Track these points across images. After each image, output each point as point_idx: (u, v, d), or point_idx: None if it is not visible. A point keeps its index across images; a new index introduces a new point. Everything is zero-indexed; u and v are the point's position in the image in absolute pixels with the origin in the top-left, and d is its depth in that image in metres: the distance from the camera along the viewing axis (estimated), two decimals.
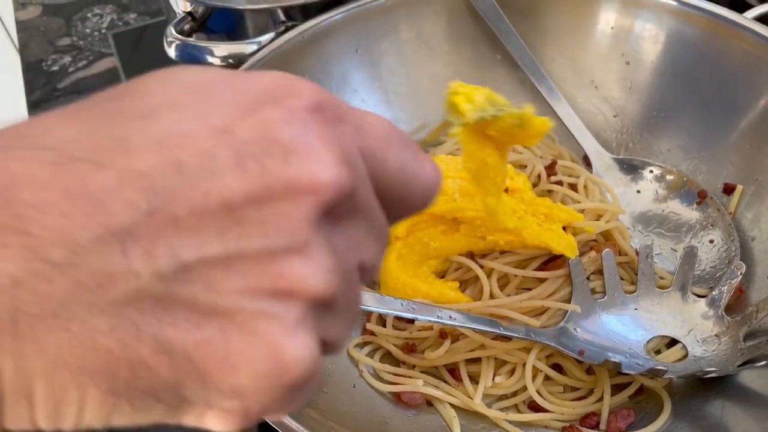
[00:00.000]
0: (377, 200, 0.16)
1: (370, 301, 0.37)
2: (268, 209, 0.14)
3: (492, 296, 0.40)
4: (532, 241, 0.39)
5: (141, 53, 0.70)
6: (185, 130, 0.14)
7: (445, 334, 0.39)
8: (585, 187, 0.45)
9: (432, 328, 0.39)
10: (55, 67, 0.68)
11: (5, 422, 0.14)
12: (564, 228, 0.41)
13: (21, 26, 0.74)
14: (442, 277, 0.41)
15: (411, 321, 0.40)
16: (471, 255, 0.40)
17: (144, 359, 0.13)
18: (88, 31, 0.72)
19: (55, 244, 0.13)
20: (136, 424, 0.14)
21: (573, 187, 0.45)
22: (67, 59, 0.69)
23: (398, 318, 0.40)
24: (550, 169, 0.46)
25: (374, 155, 0.16)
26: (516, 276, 0.40)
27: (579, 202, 0.43)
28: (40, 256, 0.12)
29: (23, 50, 0.71)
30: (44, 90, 0.66)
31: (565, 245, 0.39)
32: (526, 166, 0.46)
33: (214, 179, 0.13)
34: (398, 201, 0.17)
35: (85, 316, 0.13)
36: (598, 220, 0.43)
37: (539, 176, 0.45)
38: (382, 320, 0.41)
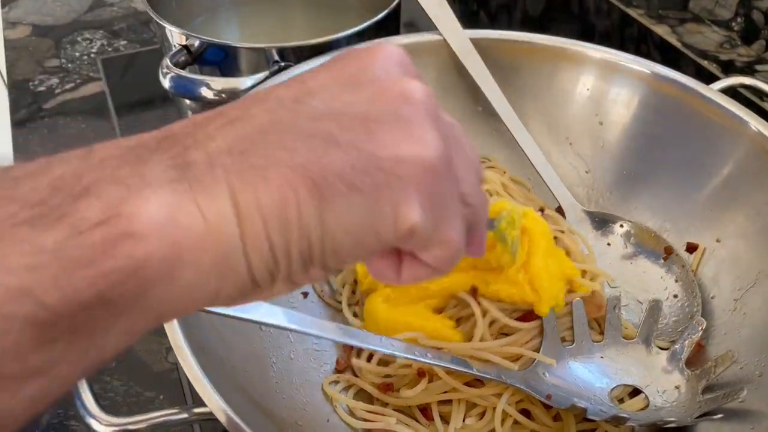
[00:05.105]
0: None
1: (349, 335, 0.38)
2: None
3: (482, 339, 0.40)
4: (530, 297, 0.39)
5: (129, 79, 0.71)
6: None
7: (423, 372, 0.40)
8: None
9: (411, 366, 0.40)
10: (42, 88, 0.69)
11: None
12: None
13: (9, 45, 0.75)
14: (441, 311, 0.42)
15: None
16: (474, 291, 0.41)
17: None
18: (77, 54, 0.73)
19: None
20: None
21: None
22: (54, 80, 0.70)
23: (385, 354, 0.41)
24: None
25: None
26: (499, 322, 0.41)
27: (580, 261, 0.44)
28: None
29: (10, 69, 0.71)
30: (30, 109, 0.66)
31: (556, 302, 0.40)
32: None
33: None
34: None
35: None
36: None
37: None
38: (367, 357, 0.42)
